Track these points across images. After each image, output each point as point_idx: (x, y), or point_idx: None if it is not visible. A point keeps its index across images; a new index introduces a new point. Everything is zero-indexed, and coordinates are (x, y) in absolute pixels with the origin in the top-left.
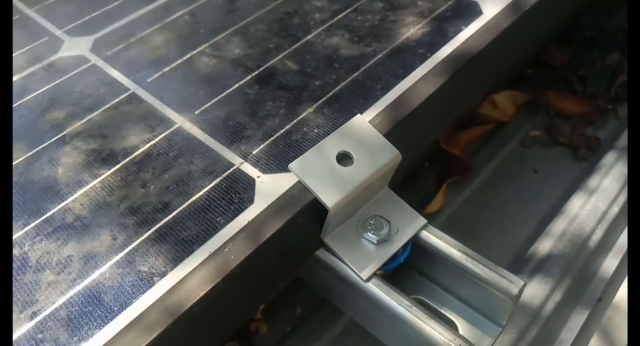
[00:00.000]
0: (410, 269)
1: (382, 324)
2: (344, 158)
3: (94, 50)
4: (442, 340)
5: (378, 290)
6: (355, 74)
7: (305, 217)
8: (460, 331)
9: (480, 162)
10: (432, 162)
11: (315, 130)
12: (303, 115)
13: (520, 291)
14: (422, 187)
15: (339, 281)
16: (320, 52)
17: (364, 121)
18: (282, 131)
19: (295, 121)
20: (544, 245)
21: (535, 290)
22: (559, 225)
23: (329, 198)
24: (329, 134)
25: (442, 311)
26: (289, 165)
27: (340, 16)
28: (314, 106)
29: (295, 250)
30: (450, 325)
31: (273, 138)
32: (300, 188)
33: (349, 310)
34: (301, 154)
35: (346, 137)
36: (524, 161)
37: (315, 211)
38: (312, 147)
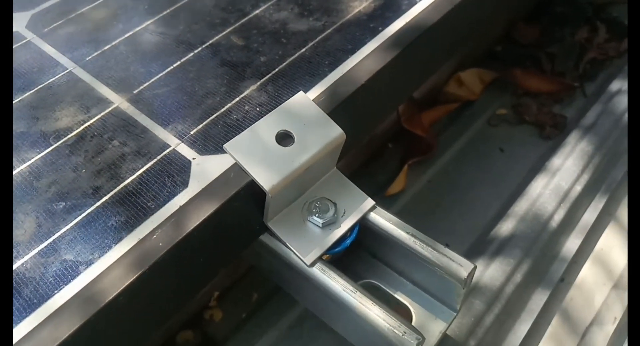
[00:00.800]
0: (365, 252)
1: (330, 311)
2: (284, 138)
3: (30, 27)
4: (387, 326)
5: (322, 274)
6: (303, 50)
7: (243, 201)
8: (414, 317)
9: (446, 141)
10: (395, 143)
11: (258, 109)
12: (245, 93)
13: (471, 274)
14: (386, 168)
15: (285, 267)
16: (267, 27)
17: (306, 98)
18: (222, 110)
19: (236, 99)
20: (507, 226)
21: (495, 272)
22: (521, 206)
23: (266, 180)
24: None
25: (397, 296)
26: (224, 145)
27: None
28: (258, 84)
29: (234, 235)
30: (405, 310)
31: (212, 117)
32: (237, 170)
33: (299, 297)
34: None
35: (287, 116)
36: (490, 140)
37: (255, 194)
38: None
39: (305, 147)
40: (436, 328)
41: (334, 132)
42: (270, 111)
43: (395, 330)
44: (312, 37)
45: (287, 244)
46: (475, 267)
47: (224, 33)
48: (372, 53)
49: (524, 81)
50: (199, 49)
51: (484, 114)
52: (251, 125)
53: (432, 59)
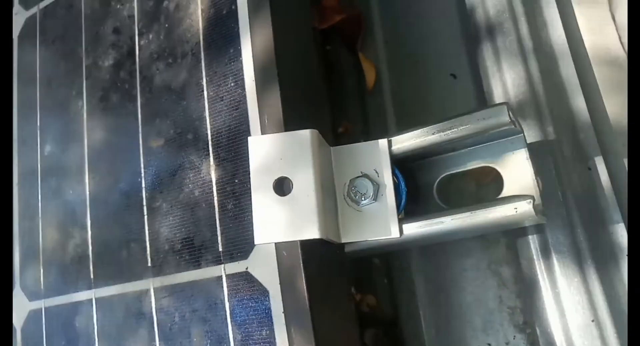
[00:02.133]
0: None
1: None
2: (281, 185)
3: None
4: (504, 216)
5: (420, 228)
6: None
7: (314, 259)
8: (498, 168)
9: None
10: (333, 46)
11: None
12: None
13: (510, 110)
14: (344, 70)
15: (386, 251)
16: None
17: (256, 140)
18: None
19: None
20: None
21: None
22: None
23: (310, 232)
24: None
25: (469, 166)
26: (255, 243)
27: None
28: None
29: (333, 277)
30: (489, 169)
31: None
32: (284, 246)
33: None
34: None
35: (261, 170)
36: None
37: (314, 245)
38: None
39: (303, 177)
40: (521, 156)
41: (305, 138)
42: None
43: (513, 210)
44: None
45: (368, 239)
46: (506, 103)
47: None
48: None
49: None
50: None
51: None
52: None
53: None
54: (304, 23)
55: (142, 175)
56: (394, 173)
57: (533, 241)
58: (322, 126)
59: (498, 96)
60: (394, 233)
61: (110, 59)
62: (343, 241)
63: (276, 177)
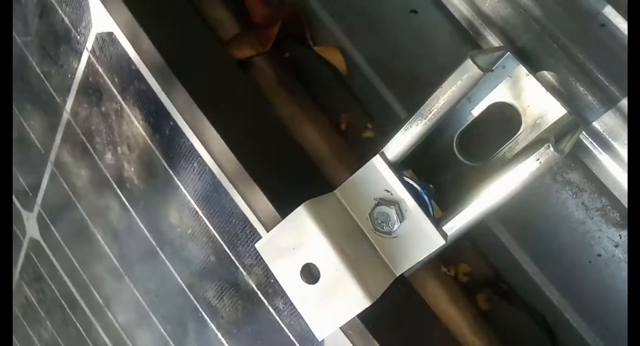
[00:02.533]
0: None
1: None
2: (308, 273)
3: None
4: (532, 172)
5: (459, 223)
6: None
7: (381, 314)
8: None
9: None
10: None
11: None
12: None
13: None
14: (314, 68)
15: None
16: None
17: (264, 243)
18: None
19: None
20: None
21: None
22: None
23: (361, 303)
24: None
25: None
26: (319, 339)
27: None
28: None
29: (409, 308)
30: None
31: None
32: (345, 329)
33: None
34: None
35: (282, 268)
36: None
37: (374, 307)
38: None
39: (320, 251)
40: (521, 74)
41: (302, 215)
42: None
43: (538, 168)
44: None
45: (423, 259)
46: (469, 55)
47: None
48: None
49: None
50: None
51: None
52: None
53: None
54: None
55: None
56: (405, 183)
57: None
58: (313, 176)
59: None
60: (438, 242)
61: None
62: (397, 274)
63: (299, 268)
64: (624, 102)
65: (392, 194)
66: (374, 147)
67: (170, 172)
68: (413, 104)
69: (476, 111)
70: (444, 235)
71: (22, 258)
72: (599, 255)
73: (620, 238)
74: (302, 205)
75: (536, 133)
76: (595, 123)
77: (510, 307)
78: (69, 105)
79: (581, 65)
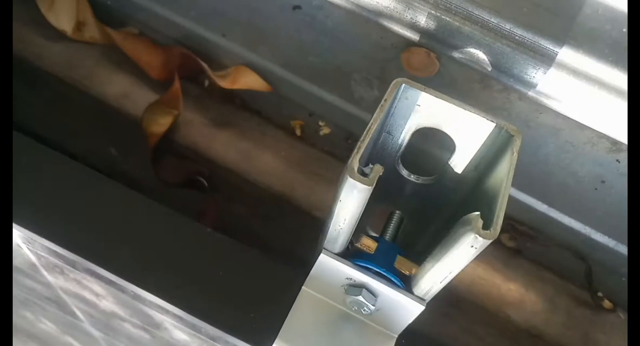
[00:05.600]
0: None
1: None
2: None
3: None
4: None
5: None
6: None
7: None
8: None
9: None
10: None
11: None
12: None
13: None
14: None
15: None
16: None
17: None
18: None
19: None
20: None
21: None
22: None
23: None
24: None
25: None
26: None
27: None
28: None
29: None
30: None
31: None
32: None
33: None
34: None
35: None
36: None
37: None
38: None
39: None
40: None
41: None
42: None
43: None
44: None
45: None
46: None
47: None
48: None
49: None
50: None
51: None
52: None
53: None
54: None
55: None
56: (361, 268)
57: None
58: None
59: None
60: (418, 309)
61: None
62: (396, 335)
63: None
64: (563, 52)
65: (354, 280)
66: (336, 141)
67: None
68: (348, 92)
69: (402, 140)
70: (420, 301)
71: None
72: (603, 182)
73: (619, 162)
74: (275, 342)
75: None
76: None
77: (537, 242)
78: None
79: (499, 31)
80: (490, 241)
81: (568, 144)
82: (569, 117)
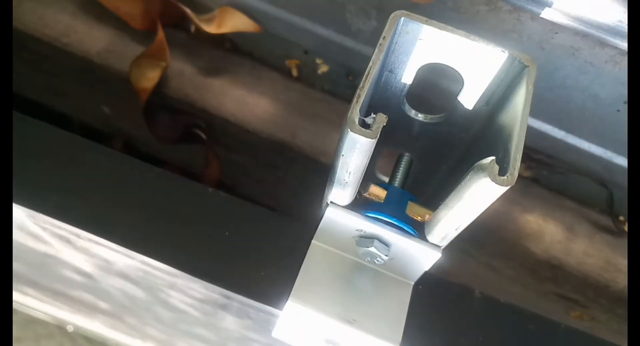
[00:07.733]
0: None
1: None
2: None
3: None
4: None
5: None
6: None
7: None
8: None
9: None
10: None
11: None
12: None
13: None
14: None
15: None
16: None
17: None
18: None
19: None
20: None
21: None
22: None
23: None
24: None
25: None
26: None
27: None
28: None
29: None
30: None
31: None
32: None
33: None
34: None
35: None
36: None
37: None
38: None
39: (332, 328)
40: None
41: (296, 310)
42: None
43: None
44: None
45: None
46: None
47: None
48: None
49: None
50: None
51: None
52: None
53: None
54: None
55: None
56: (371, 218)
57: None
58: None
59: None
60: (435, 256)
61: None
62: (412, 282)
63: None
64: None
65: (365, 231)
66: (336, 78)
67: None
68: (345, 25)
69: (406, 79)
70: (436, 248)
71: None
72: (626, 102)
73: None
74: (289, 299)
75: (486, 82)
76: None
77: (554, 170)
78: None
79: None
80: (507, 188)
81: (587, 64)
82: (588, 35)
